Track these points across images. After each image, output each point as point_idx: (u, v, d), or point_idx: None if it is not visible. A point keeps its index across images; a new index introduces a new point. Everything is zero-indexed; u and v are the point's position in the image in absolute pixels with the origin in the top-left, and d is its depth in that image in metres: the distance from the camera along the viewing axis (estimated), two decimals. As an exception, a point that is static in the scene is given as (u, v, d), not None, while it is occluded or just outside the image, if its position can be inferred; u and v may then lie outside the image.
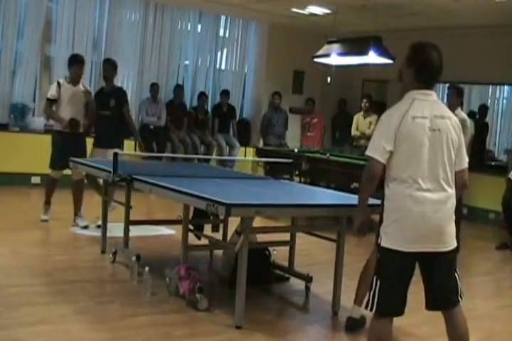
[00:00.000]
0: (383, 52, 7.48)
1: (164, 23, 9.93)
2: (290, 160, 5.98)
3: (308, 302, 4.63)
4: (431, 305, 3.07)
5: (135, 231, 5.37)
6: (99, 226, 5.78)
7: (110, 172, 4.77)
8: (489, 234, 8.06)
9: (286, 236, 4.91)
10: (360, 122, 9.41)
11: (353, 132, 9.49)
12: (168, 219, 5.63)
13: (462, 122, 3.70)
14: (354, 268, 4.13)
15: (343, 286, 4.27)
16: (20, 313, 3.78)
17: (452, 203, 2.98)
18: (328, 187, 7.17)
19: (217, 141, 10.18)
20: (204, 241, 5.11)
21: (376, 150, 2.95)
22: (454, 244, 2.99)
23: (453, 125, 3.00)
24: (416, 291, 3.04)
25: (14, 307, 3.84)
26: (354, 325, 3.92)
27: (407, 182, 2.91)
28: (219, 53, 10.79)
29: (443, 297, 3.04)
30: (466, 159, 3.09)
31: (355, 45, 7.72)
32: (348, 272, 4.31)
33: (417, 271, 3.01)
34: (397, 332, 3.57)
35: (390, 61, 7.53)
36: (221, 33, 10.73)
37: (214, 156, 9.94)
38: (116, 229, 5.40)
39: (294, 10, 9.38)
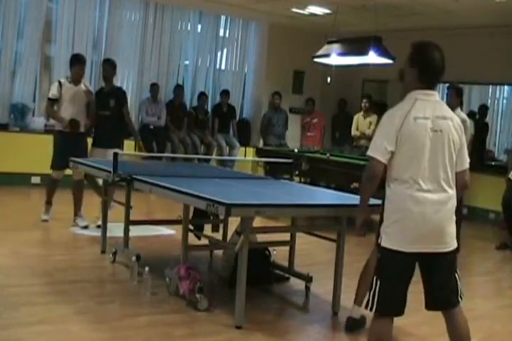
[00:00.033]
0: (383, 52, 7.48)
1: (164, 23, 9.92)
2: (290, 160, 5.97)
3: (308, 302, 4.63)
4: (431, 305, 3.07)
5: (135, 231, 5.37)
6: (99, 226, 5.79)
7: (110, 172, 4.77)
8: (489, 234, 8.06)
9: (286, 236, 4.91)
10: (360, 122, 9.39)
11: (353, 132, 9.47)
12: (168, 219, 5.63)
13: (462, 122, 3.70)
14: (354, 268, 4.13)
15: (343, 286, 4.27)
16: (20, 313, 3.78)
17: (453, 204, 2.98)
18: (328, 187, 7.17)
19: (217, 141, 10.18)
20: (204, 241, 5.11)
21: (378, 151, 2.95)
22: (454, 245, 2.99)
23: (455, 126, 3.00)
24: (416, 291, 3.03)
25: (14, 307, 3.84)
26: (354, 325, 3.92)
27: (408, 182, 2.91)
28: (219, 53, 10.78)
29: (443, 297, 3.04)
30: (468, 160, 3.09)
31: (355, 45, 7.71)
32: (348, 272, 4.31)
33: (417, 271, 3.01)
34: (397, 332, 3.57)
35: (390, 61, 7.53)
36: (221, 33, 10.72)
37: (214, 156, 9.93)
38: (116, 229, 5.40)
39: (294, 10, 9.37)
